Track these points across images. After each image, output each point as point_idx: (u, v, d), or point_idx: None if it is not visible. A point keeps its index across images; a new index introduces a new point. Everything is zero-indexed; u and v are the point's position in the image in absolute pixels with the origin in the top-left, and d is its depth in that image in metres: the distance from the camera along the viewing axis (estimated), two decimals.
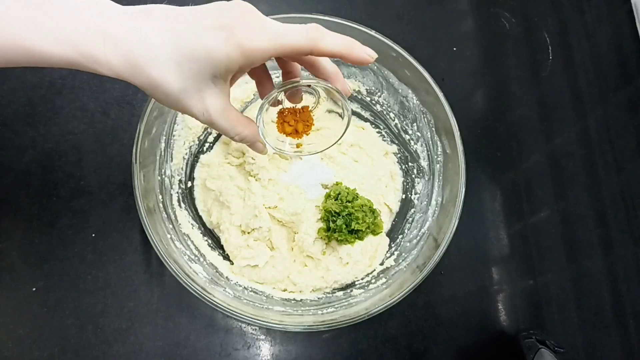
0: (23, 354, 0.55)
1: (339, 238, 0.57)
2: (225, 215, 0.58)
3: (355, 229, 0.57)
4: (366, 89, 0.63)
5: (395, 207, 0.63)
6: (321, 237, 0.58)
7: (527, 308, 0.65)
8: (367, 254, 0.59)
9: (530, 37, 0.76)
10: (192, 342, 0.58)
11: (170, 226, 0.55)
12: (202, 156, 0.62)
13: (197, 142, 0.62)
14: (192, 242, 0.57)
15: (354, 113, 0.65)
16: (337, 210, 0.56)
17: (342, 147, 0.63)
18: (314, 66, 0.44)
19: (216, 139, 0.63)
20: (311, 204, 0.59)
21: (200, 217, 0.61)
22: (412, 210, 0.61)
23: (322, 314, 0.54)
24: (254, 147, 0.47)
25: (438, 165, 0.59)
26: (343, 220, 0.56)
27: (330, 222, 0.57)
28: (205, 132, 0.63)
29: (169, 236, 0.53)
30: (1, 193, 0.60)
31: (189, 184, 0.61)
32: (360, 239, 0.58)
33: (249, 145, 0.46)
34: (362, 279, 0.59)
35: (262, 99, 0.47)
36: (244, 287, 0.56)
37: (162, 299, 0.59)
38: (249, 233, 0.58)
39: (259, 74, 0.47)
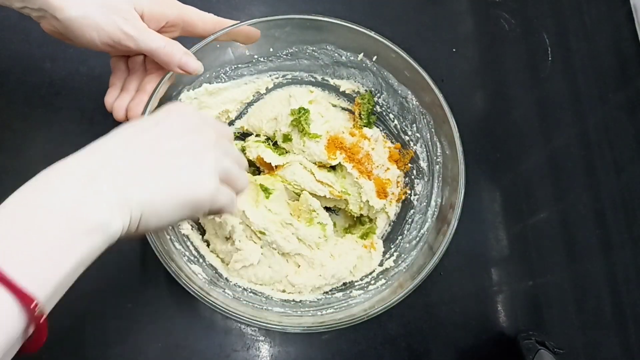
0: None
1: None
2: (208, 224, 0.58)
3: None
4: (365, 90, 0.63)
5: (394, 209, 0.63)
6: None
7: (526, 309, 0.65)
8: (360, 245, 0.60)
9: (529, 39, 0.76)
10: (191, 343, 0.58)
11: (170, 227, 0.55)
12: None
13: None
14: (191, 243, 0.57)
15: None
16: None
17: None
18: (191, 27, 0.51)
19: None
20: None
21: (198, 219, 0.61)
22: (412, 211, 0.61)
23: (321, 315, 0.54)
24: (186, 64, 0.50)
25: (437, 166, 0.59)
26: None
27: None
28: None
29: (168, 237, 0.53)
30: (1, 193, 0.60)
31: None
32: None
33: (179, 66, 0.50)
34: (361, 279, 0.59)
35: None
36: (243, 288, 0.56)
37: (161, 300, 0.59)
38: (227, 238, 0.58)
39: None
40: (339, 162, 0.60)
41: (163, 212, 0.35)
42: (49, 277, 0.29)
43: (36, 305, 0.28)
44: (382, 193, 0.60)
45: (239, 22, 0.54)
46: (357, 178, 0.59)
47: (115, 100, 0.53)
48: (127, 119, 0.53)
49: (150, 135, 0.37)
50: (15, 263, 0.28)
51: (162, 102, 0.53)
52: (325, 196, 0.59)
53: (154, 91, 0.50)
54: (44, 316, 0.29)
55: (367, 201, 0.59)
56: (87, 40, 0.47)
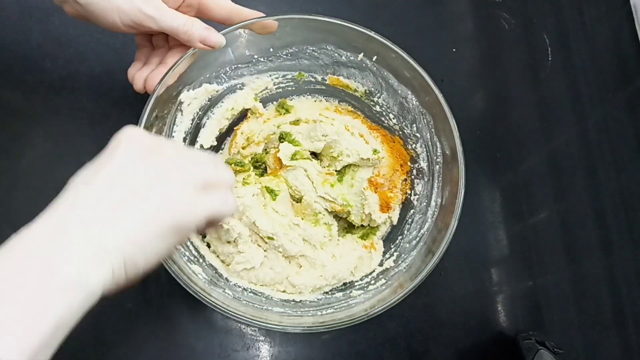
0: None
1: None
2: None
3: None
4: (365, 90, 0.63)
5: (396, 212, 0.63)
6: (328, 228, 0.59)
7: (526, 309, 0.65)
8: (361, 245, 0.60)
9: (529, 38, 0.76)
10: (191, 343, 0.58)
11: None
12: None
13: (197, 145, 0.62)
14: (191, 243, 0.57)
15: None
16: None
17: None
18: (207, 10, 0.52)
19: (214, 147, 0.63)
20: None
21: None
22: (412, 211, 0.61)
23: (321, 315, 0.54)
24: (208, 38, 0.51)
25: (437, 166, 0.59)
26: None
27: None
28: None
29: None
30: (1, 194, 0.60)
31: None
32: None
33: (201, 41, 0.51)
34: (361, 279, 0.59)
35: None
36: (243, 288, 0.56)
37: (161, 300, 0.59)
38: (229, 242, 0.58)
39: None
40: (350, 166, 0.60)
41: (147, 247, 0.33)
42: (26, 344, 0.27)
43: None
44: (385, 207, 0.60)
45: (257, 12, 0.54)
46: (365, 188, 0.59)
47: (137, 72, 0.54)
48: (145, 91, 0.54)
49: (107, 171, 0.34)
50: None
51: (165, 99, 0.53)
52: (326, 209, 0.60)
53: (173, 65, 0.51)
54: None
55: (370, 214, 0.59)
56: (110, 23, 0.48)
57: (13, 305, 0.27)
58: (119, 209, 0.32)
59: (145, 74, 0.54)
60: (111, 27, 0.48)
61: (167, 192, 0.34)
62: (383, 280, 0.57)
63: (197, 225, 0.36)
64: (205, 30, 0.51)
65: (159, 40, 0.55)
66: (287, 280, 0.57)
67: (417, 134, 0.61)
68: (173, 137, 0.59)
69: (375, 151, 0.60)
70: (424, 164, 0.61)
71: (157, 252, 0.33)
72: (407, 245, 0.59)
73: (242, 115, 0.65)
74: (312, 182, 0.59)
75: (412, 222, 0.61)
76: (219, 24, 0.53)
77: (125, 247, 0.31)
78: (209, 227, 0.39)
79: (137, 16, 0.47)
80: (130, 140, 0.36)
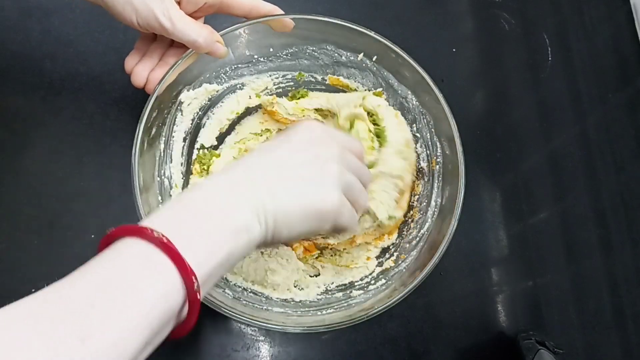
0: None
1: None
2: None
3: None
4: (365, 90, 0.63)
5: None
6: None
7: (526, 309, 0.65)
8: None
9: (529, 38, 0.76)
10: (191, 343, 0.58)
11: None
12: None
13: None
14: None
15: None
16: None
17: None
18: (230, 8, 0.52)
19: (215, 146, 0.63)
20: None
21: None
22: (412, 211, 0.61)
23: (321, 315, 0.54)
24: (214, 51, 0.52)
25: (437, 166, 0.59)
26: None
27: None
28: None
29: None
30: (1, 194, 0.60)
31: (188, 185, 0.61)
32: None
33: (208, 52, 0.51)
34: (361, 279, 0.59)
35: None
36: (243, 288, 0.56)
37: None
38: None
39: None
40: None
41: (293, 221, 0.38)
42: (206, 261, 0.32)
43: (195, 281, 0.30)
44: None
45: (276, 8, 0.54)
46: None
47: (137, 64, 0.55)
48: (144, 88, 0.54)
49: (281, 151, 0.40)
50: (181, 242, 0.31)
51: (165, 99, 0.53)
52: None
53: (174, 65, 0.52)
54: (199, 295, 0.31)
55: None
56: (128, 21, 0.49)
57: (204, 231, 0.33)
58: (280, 186, 0.38)
59: (146, 70, 0.54)
60: (127, 24, 0.49)
61: (322, 184, 0.39)
62: (383, 280, 0.57)
63: (334, 227, 0.41)
64: (212, 45, 0.51)
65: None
66: (266, 277, 0.57)
67: (417, 134, 0.61)
68: (173, 137, 0.59)
69: (390, 217, 0.57)
70: (424, 164, 0.61)
71: (298, 231, 0.39)
72: (407, 245, 0.59)
73: (242, 115, 0.65)
74: None
75: (412, 222, 0.61)
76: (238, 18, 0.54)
77: (277, 216, 0.37)
78: (332, 233, 0.47)
79: (151, 23, 0.48)
80: (306, 128, 0.43)
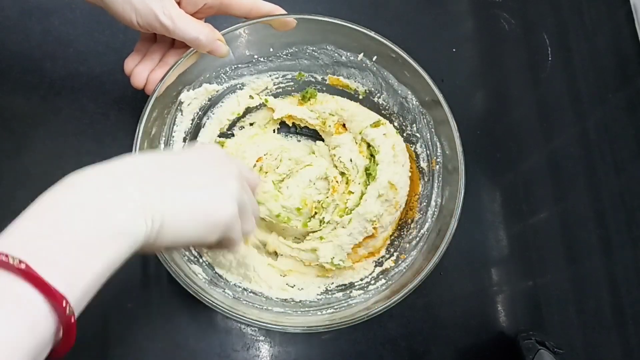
0: None
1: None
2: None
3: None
4: (365, 90, 0.63)
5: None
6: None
7: (526, 309, 0.65)
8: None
9: (529, 39, 0.76)
10: (191, 343, 0.58)
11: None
12: None
13: None
14: None
15: None
16: None
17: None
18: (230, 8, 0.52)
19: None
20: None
21: None
22: (412, 211, 0.61)
23: (321, 315, 0.54)
24: (215, 50, 0.51)
25: (437, 166, 0.59)
26: None
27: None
28: None
29: None
30: (1, 194, 0.60)
31: None
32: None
33: (208, 51, 0.51)
34: (361, 279, 0.59)
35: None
36: (243, 288, 0.56)
37: (161, 300, 0.59)
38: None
39: None
40: None
41: (180, 226, 0.35)
42: (78, 278, 0.29)
43: (67, 305, 0.28)
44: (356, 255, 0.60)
45: (277, 7, 0.55)
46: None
47: (137, 65, 0.54)
48: (143, 89, 0.54)
49: (177, 158, 0.39)
50: (45, 264, 0.27)
51: (165, 99, 0.53)
52: None
53: (174, 65, 0.52)
54: (73, 318, 0.29)
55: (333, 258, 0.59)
56: (128, 21, 0.48)
57: (72, 243, 0.29)
58: (173, 187, 0.35)
59: (146, 70, 0.54)
60: (127, 24, 0.49)
61: (220, 194, 0.38)
62: (383, 280, 0.57)
63: (220, 240, 0.39)
64: (213, 43, 0.51)
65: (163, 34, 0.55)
66: (254, 272, 0.57)
67: (417, 134, 0.61)
68: (173, 137, 0.59)
69: (334, 264, 0.58)
70: (424, 164, 0.61)
71: (184, 237, 0.36)
72: (407, 245, 0.59)
73: (241, 116, 0.65)
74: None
75: (412, 222, 0.61)
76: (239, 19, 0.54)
77: (165, 217, 0.34)
78: (212, 247, 0.43)
79: (152, 23, 0.48)
80: (207, 150, 0.42)
